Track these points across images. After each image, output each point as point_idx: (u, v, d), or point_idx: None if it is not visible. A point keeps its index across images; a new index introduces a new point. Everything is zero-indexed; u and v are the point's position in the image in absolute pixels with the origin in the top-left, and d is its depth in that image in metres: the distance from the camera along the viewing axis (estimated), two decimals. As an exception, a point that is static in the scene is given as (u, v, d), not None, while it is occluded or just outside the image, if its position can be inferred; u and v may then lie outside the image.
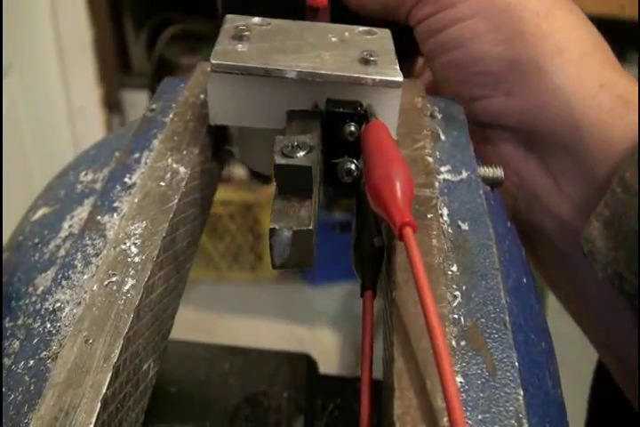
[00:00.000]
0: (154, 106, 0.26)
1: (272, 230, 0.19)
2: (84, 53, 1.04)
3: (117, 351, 0.17)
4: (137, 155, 0.24)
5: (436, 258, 0.21)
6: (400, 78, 0.24)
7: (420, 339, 0.18)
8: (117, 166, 0.24)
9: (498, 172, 0.28)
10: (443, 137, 0.28)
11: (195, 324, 1.47)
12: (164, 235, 0.21)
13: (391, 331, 0.19)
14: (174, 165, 0.23)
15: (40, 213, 0.25)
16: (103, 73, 1.09)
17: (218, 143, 0.26)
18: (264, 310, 1.52)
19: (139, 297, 0.19)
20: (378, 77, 0.23)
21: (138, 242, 0.20)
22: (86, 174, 0.26)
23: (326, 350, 1.37)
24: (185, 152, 0.24)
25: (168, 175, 0.23)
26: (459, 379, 0.19)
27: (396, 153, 0.21)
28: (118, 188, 0.23)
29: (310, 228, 0.19)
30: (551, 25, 0.30)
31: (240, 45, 0.24)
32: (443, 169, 0.26)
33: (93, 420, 0.16)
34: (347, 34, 0.26)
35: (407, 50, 0.31)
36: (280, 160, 0.20)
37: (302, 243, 0.19)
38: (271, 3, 0.27)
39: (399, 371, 0.18)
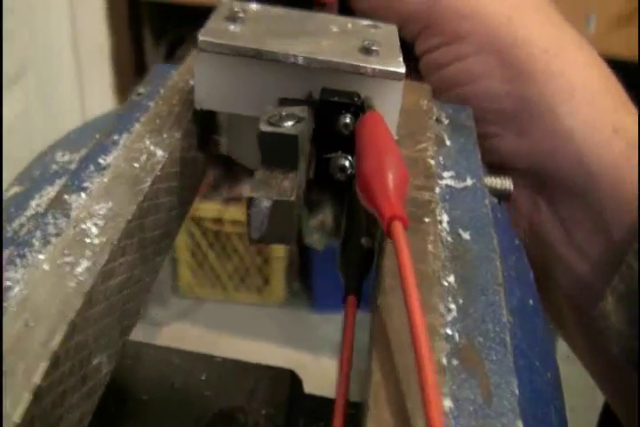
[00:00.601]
0: (141, 90, 0.25)
1: (250, 200, 0.18)
2: (102, 62, 1.04)
3: (59, 338, 0.15)
4: (116, 137, 0.22)
5: (431, 265, 0.19)
6: (402, 70, 0.22)
7: (403, 352, 0.16)
8: (94, 147, 0.22)
9: (506, 183, 0.26)
10: (448, 142, 0.26)
11: (198, 341, 1.44)
12: (129, 218, 0.19)
13: (372, 341, 0.17)
14: (152, 148, 0.21)
15: (12, 191, 0.23)
16: (120, 83, 1.09)
17: (205, 132, 0.25)
18: (268, 332, 1.49)
19: (92, 281, 0.17)
20: (378, 67, 0.21)
21: (100, 223, 0.18)
22: (63, 155, 0.24)
23: (328, 376, 1.33)
24: (165, 135, 0.22)
25: (144, 157, 0.21)
26: (447, 403, 0.16)
27: (391, 145, 0.19)
28: (92, 168, 0.21)
29: (292, 199, 0.18)
30: (562, 63, 0.29)
31: (233, 26, 0.22)
32: (446, 175, 0.24)
33: (19, 411, 0.14)
34: (350, 25, 0.24)
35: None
36: (265, 128, 0.19)
37: (282, 215, 0.18)
38: None
39: (376, 386, 0.15)
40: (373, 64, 0.21)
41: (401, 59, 0.22)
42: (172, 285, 1.61)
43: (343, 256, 0.20)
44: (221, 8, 0.23)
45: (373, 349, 0.16)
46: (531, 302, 0.24)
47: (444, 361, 0.17)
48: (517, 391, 0.17)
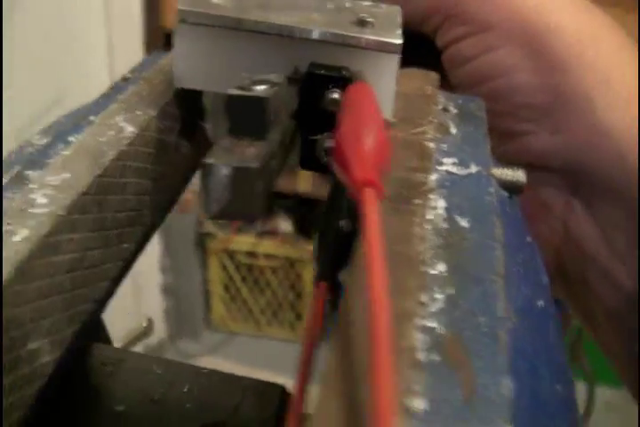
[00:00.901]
0: (128, 75, 0.23)
1: (207, 167, 0.15)
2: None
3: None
4: (92, 117, 0.21)
5: (415, 248, 0.16)
6: (399, 41, 0.20)
7: (363, 338, 0.13)
8: (67, 127, 0.20)
9: (519, 175, 0.24)
10: (454, 130, 0.23)
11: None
12: (83, 190, 0.17)
13: (334, 327, 0.14)
14: (122, 124, 0.20)
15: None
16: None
17: (189, 117, 0.23)
18: (298, 370, 1.45)
19: (28, 252, 0.15)
20: (372, 37, 0.20)
21: (50, 193, 0.17)
22: (40, 138, 0.23)
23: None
24: (139, 112, 0.20)
25: (111, 132, 0.19)
26: (422, 405, 0.14)
27: (373, 113, 0.17)
28: (60, 146, 0.19)
29: (255, 165, 0.16)
30: (595, 51, 0.27)
31: (217, -3, 0.20)
32: (447, 161, 0.21)
33: None
34: (347, 4, 0.23)
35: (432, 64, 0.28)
36: (232, 91, 0.17)
37: (245, 185, 0.16)
38: None
39: (329, 375, 0.13)
40: (366, 35, 0.20)
41: (399, 31, 0.20)
42: (205, 318, 1.59)
43: (320, 239, 0.18)
44: None
45: (334, 334, 0.14)
46: (541, 303, 0.21)
47: (421, 356, 0.15)
48: (511, 395, 0.14)
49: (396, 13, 0.22)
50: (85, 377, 0.26)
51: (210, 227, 1.50)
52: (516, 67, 0.27)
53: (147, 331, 0.55)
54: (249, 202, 0.16)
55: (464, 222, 0.19)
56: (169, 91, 0.22)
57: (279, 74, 0.18)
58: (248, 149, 0.16)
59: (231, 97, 0.17)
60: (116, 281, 0.20)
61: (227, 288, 1.57)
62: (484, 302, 0.17)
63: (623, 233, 0.27)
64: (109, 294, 0.19)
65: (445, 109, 0.25)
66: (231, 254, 1.53)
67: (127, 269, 0.21)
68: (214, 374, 0.27)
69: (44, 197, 0.17)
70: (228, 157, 0.16)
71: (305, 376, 0.14)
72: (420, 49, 0.26)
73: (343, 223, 0.17)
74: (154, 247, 1.30)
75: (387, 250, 0.16)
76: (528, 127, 0.28)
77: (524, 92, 0.27)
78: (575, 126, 0.27)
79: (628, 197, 0.26)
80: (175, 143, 0.22)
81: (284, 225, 1.51)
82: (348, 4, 0.23)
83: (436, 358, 0.15)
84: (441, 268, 0.17)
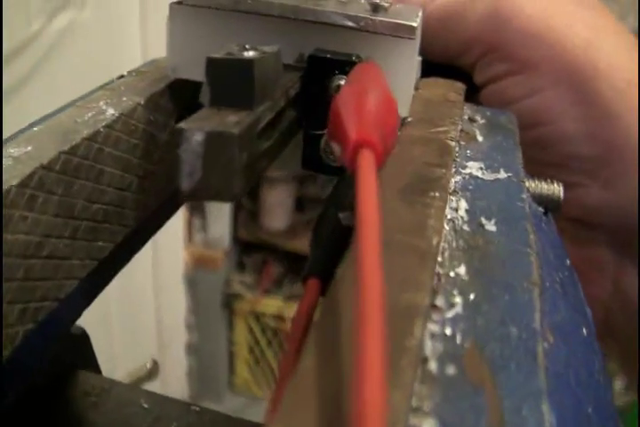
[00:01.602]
0: (125, 73, 0.22)
1: (178, 133, 0.13)
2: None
3: None
4: (78, 103, 0.19)
5: (428, 240, 0.13)
6: (415, 24, 0.18)
7: (349, 332, 0.10)
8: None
9: (556, 189, 0.21)
10: (480, 138, 0.21)
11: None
12: (43, 163, 0.15)
13: (318, 321, 0.11)
14: (103, 107, 0.18)
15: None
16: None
17: (186, 114, 0.21)
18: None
19: None
20: (384, 20, 0.17)
21: (9, 163, 0.15)
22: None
23: None
24: (125, 98, 0.18)
25: (90, 113, 0.17)
26: (428, 425, 0.10)
27: (380, 83, 0.14)
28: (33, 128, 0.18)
29: (233, 131, 0.13)
30: None
31: (215, -22, 0.19)
32: (472, 164, 0.19)
33: None
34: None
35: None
36: (216, 55, 0.15)
37: (221, 155, 0.13)
38: None
39: (302, 376, 0.10)
40: (379, 17, 0.17)
41: (417, 18, 0.18)
42: (228, 380, 1.54)
43: (316, 231, 0.15)
44: None
45: (312, 330, 0.11)
46: (585, 332, 0.18)
47: (433, 367, 0.12)
48: (548, 424, 0.11)
49: (415, 9, 0.20)
50: (67, 406, 0.23)
51: (237, 287, 1.47)
52: (563, 114, 0.24)
53: (151, 374, 0.52)
54: (226, 176, 0.14)
55: (491, 226, 0.16)
56: (161, 82, 0.20)
57: (274, 46, 0.16)
58: (228, 117, 0.14)
59: (213, 61, 0.15)
60: (88, 283, 0.17)
61: (252, 351, 1.52)
62: (516, 311, 0.13)
63: None
64: (79, 297, 0.17)
65: (472, 120, 0.22)
66: (258, 317, 1.49)
67: (105, 274, 0.19)
68: (206, 412, 0.24)
69: None
70: (201, 123, 0.14)
71: (286, 383, 0.11)
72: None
73: (343, 217, 0.15)
74: (180, 303, 1.27)
75: (393, 241, 0.13)
76: (577, 179, 0.25)
77: (572, 141, 0.25)
78: (626, 181, 0.24)
79: None
80: (168, 141, 0.20)
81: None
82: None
83: (451, 371, 0.12)
84: (461, 271, 0.14)
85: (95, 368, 0.26)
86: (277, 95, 0.16)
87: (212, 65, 0.15)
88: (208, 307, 1.40)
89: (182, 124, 0.14)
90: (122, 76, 0.22)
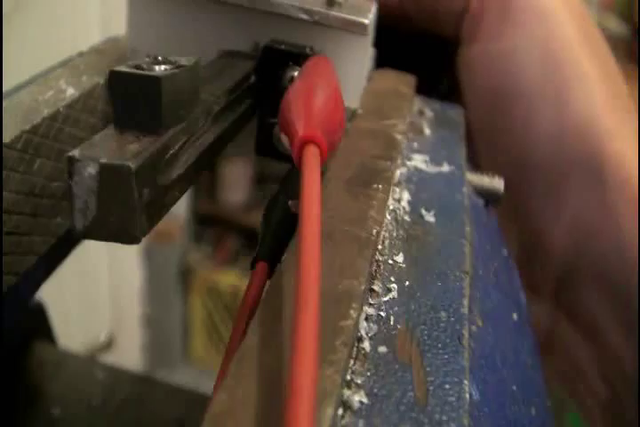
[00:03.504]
0: (84, 50, 0.22)
1: (69, 162, 0.12)
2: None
3: None
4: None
5: (368, 230, 0.15)
6: (367, 21, 0.18)
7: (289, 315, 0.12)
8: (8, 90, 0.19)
9: (497, 182, 0.22)
10: (427, 131, 0.22)
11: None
12: (5, 141, 0.15)
13: (262, 304, 0.12)
14: (63, 86, 0.18)
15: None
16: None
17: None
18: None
19: None
20: (338, 15, 0.18)
21: None
22: None
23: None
24: (85, 78, 0.19)
25: (50, 93, 0.18)
26: (358, 397, 0.12)
27: (329, 78, 0.15)
28: None
29: (130, 164, 0.12)
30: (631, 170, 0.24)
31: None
32: (417, 157, 0.20)
33: None
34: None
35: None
36: (121, 68, 0.13)
37: (119, 191, 0.12)
38: None
39: (245, 352, 0.11)
40: (333, 12, 0.18)
41: (370, 15, 0.19)
42: (183, 353, 1.55)
43: (265, 217, 0.16)
44: None
45: (258, 310, 0.12)
46: (515, 317, 0.19)
47: (367, 345, 0.13)
48: (467, 397, 0.12)
49: (370, 3, 0.21)
50: (24, 376, 0.24)
51: (193, 260, 1.48)
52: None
53: (106, 345, 0.53)
54: (124, 215, 0.12)
55: (430, 217, 0.17)
56: (120, 61, 0.20)
57: (194, 58, 0.15)
58: (131, 144, 0.13)
59: (115, 74, 0.13)
60: (46, 260, 0.18)
61: (206, 324, 1.53)
62: (446, 297, 0.15)
63: (617, 326, 0.25)
64: (38, 272, 0.18)
65: (421, 112, 0.24)
66: (213, 290, 1.49)
67: (63, 249, 0.19)
68: (159, 384, 0.25)
69: None
70: (98, 152, 0.12)
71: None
72: None
73: (292, 204, 0.16)
74: (136, 275, 1.27)
75: (336, 230, 0.14)
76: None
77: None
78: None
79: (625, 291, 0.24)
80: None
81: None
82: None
83: (383, 349, 0.13)
84: (399, 258, 0.15)
85: (51, 339, 0.27)
86: (195, 114, 0.15)
87: (115, 79, 0.13)
88: (163, 279, 1.40)
89: (75, 153, 0.12)
90: (81, 54, 0.22)
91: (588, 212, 0.25)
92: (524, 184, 0.25)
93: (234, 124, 0.17)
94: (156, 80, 0.13)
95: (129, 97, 0.13)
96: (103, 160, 0.12)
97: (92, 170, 0.12)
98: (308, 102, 0.13)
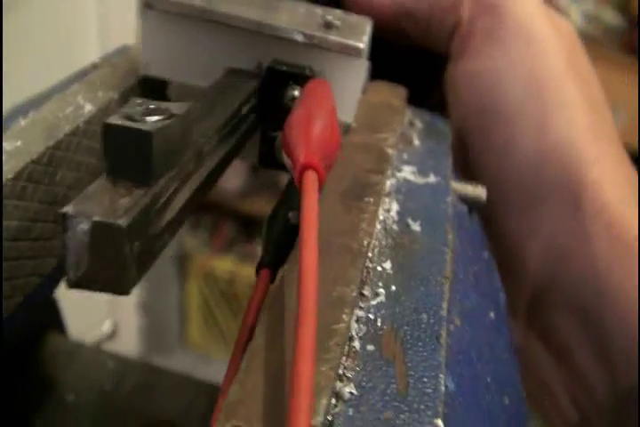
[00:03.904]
0: (97, 61, 0.24)
1: (62, 218, 0.13)
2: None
3: None
4: (55, 96, 0.21)
5: (359, 241, 0.17)
6: (362, 45, 0.20)
7: (292, 321, 0.14)
8: (28, 102, 0.21)
9: (479, 191, 0.24)
10: (416, 142, 0.24)
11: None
12: (34, 158, 0.17)
13: (265, 307, 0.14)
14: (81, 102, 0.20)
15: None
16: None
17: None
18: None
19: None
20: (335, 39, 0.20)
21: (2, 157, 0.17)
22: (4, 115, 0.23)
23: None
24: (100, 94, 0.20)
25: (70, 109, 0.19)
26: (348, 389, 0.14)
27: (327, 104, 0.17)
28: (20, 120, 0.20)
29: (121, 223, 0.12)
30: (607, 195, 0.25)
31: (188, -14, 0.21)
32: (406, 168, 0.22)
33: None
34: (318, 10, 0.23)
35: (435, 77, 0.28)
36: (114, 120, 0.14)
37: (109, 247, 0.13)
38: None
39: (254, 351, 0.13)
40: (330, 36, 0.20)
41: (365, 37, 0.21)
42: (180, 339, 1.57)
43: (267, 227, 0.18)
44: None
45: (264, 314, 0.14)
46: (492, 316, 0.21)
47: (357, 345, 0.15)
48: (443, 389, 0.14)
49: (365, 23, 0.23)
50: (38, 366, 0.26)
51: (190, 247, 1.50)
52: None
53: (109, 335, 0.55)
54: (116, 269, 0.13)
55: (416, 226, 0.19)
56: (133, 77, 0.22)
57: (184, 104, 0.15)
58: (123, 198, 0.13)
59: (108, 127, 0.14)
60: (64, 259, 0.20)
61: (202, 312, 1.55)
62: (427, 300, 0.17)
63: (587, 353, 0.25)
64: (57, 272, 0.19)
65: (411, 124, 0.25)
66: (209, 277, 1.52)
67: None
68: (167, 373, 0.27)
69: None
70: (90, 208, 0.13)
71: (240, 354, 0.14)
72: None
73: (291, 215, 0.18)
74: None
75: (331, 242, 0.16)
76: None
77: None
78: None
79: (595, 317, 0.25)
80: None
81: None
82: (319, 10, 0.23)
83: (371, 348, 0.15)
84: (387, 265, 0.17)
85: (62, 331, 0.29)
86: (186, 158, 0.15)
87: (108, 132, 0.14)
88: (160, 265, 1.42)
89: (68, 209, 0.13)
90: (95, 66, 0.24)
91: (564, 236, 0.25)
92: (501, 202, 0.26)
93: (223, 161, 0.18)
94: (147, 135, 0.13)
95: (121, 149, 0.14)
96: (96, 218, 0.12)
97: (84, 226, 0.12)
98: (307, 130, 0.15)
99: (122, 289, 0.13)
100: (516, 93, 0.25)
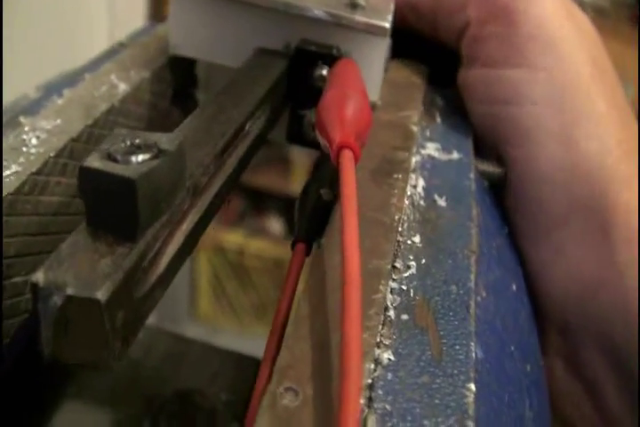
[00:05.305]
0: (124, 41, 0.24)
1: (32, 287, 0.10)
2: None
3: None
4: (87, 75, 0.22)
5: (391, 216, 0.17)
6: (387, 25, 0.21)
7: (335, 290, 0.14)
8: (63, 83, 0.21)
9: (501, 169, 0.25)
10: (439, 119, 0.24)
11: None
12: (74, 136, 0.18)
13: (307, 277, 0.15)
14: (115, 81, 0.20)
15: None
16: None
17: (181, 85, 0.24)
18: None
19: (17, 184, 0.16)
20: (361, 19, 0.20)
21: (42, 136, 0.18)
22: (36, 92, 0.23)
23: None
24: (132, 72, 0.21)
25: (104, 87, 0.20)
26: (387, 355, 0.14)
27: (358, 85, 0.18)
28: (55, 98, 0.20)
29: (99, 296, 0.10)
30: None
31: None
32: (430, 145, 0.22)
33: None
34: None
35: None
36: (92, 162, 0.11)
37: (87, 323, 0.11)
38: None
39: (299, 319, 0.13)
40: (357, 16, 0.20)
41: (389, 16, 0.21)
42: (190, 311, 1.60)
43: (300, 204, 0.19)
44: None
45: (307, 285, 0.14)
46: (514, 288, 0.22)
47: (392, 314, 0.16)
48: (474, 356, 0.15)
49: (389, 2, 0.23)
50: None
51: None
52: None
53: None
54: (96, 343, 0.11)
55: (442, 202, 0.20)
56: (163, 56, 0.23)
57: (175, 135, 0.13)
58: (103, 258, 0.11)
59: (85, 171, 0.11)
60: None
61: (212, 284, 1.57)
62: (456, 273, 0.17)
63: (616, 391, 0.23)
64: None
65: (433, 102, 0.26)
66: (219, 250, 1.53)
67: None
68: (193, 342, 0.28)
69: (35, 139, 0.18)
70: (63, 275, 0.10)
71: (281, 334, 0.15)
72: None
73: (323, 192, 0.18)
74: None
75: (365, 216, 0.17)
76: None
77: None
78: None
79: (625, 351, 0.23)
80: (167, 109, 0.23)
81: (274, 226, 1.52)
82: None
83: (405, 317, 0.16)
84: (416, 239, 0.18)
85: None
86: (179, 199, 0.13)
87: (85, 176, 0.11)
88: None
89: (39, 277, 0.10)
90: (122, 45, 0.24)
91: (589, 264, 0.23)
92: (520, 225, 0.24)
93: (217, 196, 0.16)
94: (131, 183, 0.11)
95: (102, 197, 0.11)
96: (70, 291, 0.10)
97: (57, 300, 0.10)
98: (341, 110, 0.16)
99: (103, 365, 0.11)
100: (538, 103, 0.23)
